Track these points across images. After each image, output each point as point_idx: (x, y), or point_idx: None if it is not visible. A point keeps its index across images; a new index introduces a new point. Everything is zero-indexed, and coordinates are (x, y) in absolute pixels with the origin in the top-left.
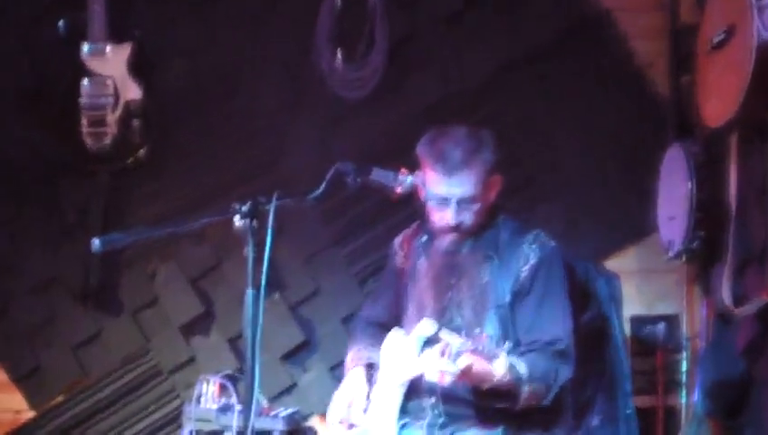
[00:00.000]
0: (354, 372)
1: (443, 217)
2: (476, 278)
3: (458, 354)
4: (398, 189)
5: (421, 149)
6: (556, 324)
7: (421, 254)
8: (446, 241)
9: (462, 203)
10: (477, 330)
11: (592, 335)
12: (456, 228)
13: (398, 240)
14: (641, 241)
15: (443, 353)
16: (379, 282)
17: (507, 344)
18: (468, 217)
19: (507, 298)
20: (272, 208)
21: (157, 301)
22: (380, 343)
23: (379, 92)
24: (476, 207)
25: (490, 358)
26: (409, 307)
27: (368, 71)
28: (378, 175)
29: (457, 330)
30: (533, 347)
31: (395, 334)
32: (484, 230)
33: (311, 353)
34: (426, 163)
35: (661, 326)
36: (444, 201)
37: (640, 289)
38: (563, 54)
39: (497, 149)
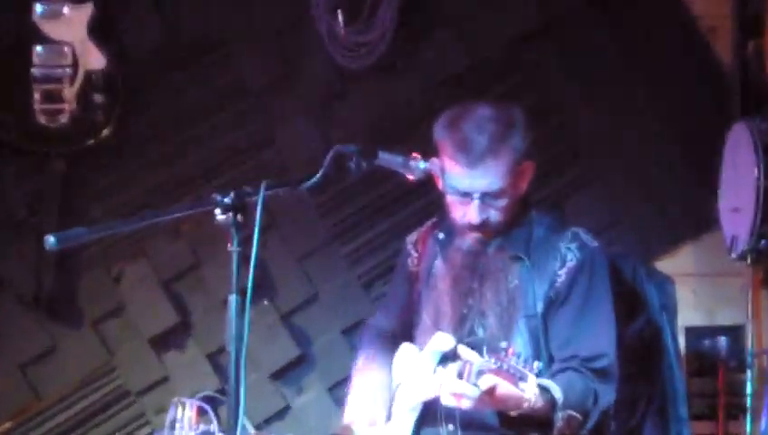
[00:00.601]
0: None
1: (465, 213)
2: (503, 282)
3: (480, 374)
4: (410, 177)
5: (439, 133)
6: (597, 338)
7: (438, 254)
8: (467, 240)
9: (487, 198)
10: (503, 344)
11: (641, 350)
12: (481, 227)
13: (411, 238)
14: (699, 238)
15: (462, 373)
16: (389, 286)
17: (537, 365)
18: (495, 215)
19: (540, 306)
20: (260, 200)
21: (123, 309)
22: (388, 354)
23: (386, 61)
24: (504, 202)
25: (517, 379)
26: (424, 317)
27: (374, 35)
28: (385, 159)
29: (479, 344)
30: (570, 365)
31: (406, 350)
32: (513, 227)
33: (306, 371)
34: (444, 150)
35: (723, 340)
36: (466, 196)
37: (698, 295)
38: (605, 18)
39: (529, 131)
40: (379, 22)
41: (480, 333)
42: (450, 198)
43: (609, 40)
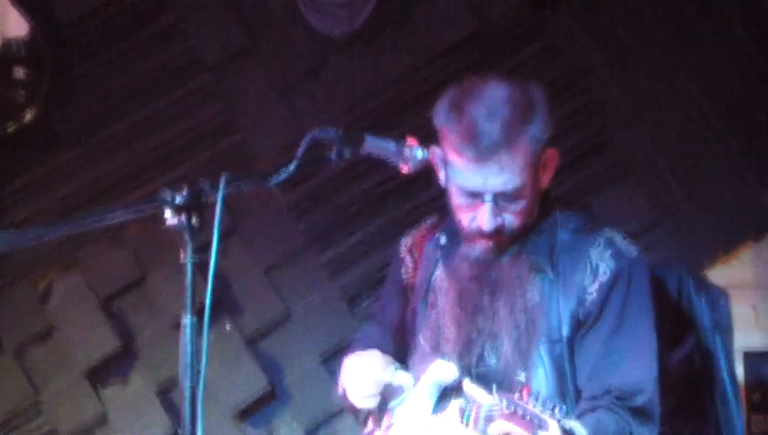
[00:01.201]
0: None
1: (474, 217)
2: (521, 299)
3: (488, 420)
4: (404, 167)
5: (440, 119)
6: (635, 370)
7: (438, 262)
8: (476, 248)
9: (501, 199)
10: (521, 376)
11: (689, 380)
12: (493, 235)
13: (405, 242)
14: (760, 241)
15: (465, 416)
16: (378, 303)
17: (559, 410)
18: (510, 219)
19: (565, 329)
20: (219, 198)
21: (51, 333)
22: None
23: (374, 27)
24: (522, 204)
25: (536, 427)
26: (420, 341)
27: None
28: (373, 146)
29: (491, 375)
30: (600, 403)
31: (399, 378)
32: (532, 231)
33: (278, 409)
34: (447, 140)
35: None
36: (475, 197)
37: (759, 311)
38: None
39: (550, 113)
40: None
41: (492, 362)
42: (455, 198)
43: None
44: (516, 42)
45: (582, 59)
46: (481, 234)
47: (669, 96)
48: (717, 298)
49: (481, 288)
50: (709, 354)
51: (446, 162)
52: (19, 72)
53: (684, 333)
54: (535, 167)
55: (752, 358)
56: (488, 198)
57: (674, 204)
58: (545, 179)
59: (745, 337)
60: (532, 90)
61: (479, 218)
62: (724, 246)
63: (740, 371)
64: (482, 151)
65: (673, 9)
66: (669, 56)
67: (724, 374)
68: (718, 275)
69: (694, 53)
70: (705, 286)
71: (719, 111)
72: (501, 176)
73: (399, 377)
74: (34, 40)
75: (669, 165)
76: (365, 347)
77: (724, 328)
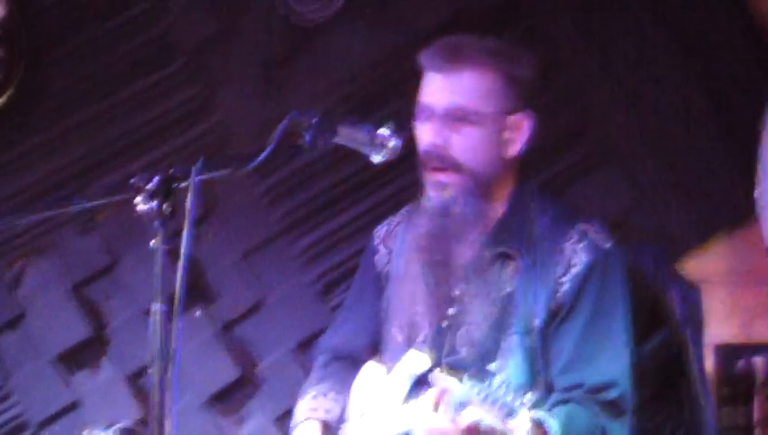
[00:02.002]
0: (304, 430)
1: (422, 139)
2: (494, 287)
3: (461, 407)
4: (375, 157)
5: (422, 53)
6: (608, 362)
7: (412, 249)
8: (430, 192)
9: (452, 116)
10: (492, 366)
11: (661, 372)
12: (438, 160)
13: (379, 231)
14: (734, 234)
15: (438, 404)
16: (348, 294)
17: (529, 397)
18: (459, 145)
19: (538, 320)
20: (192, 184)
21: (21, 319)
22: (348, 388)
23: (353, 10)
24: (472, 133)
25: (505, 414)
26: (393, 331)
27: None
28: (345, 135)
29: (463, 365)
30: (572, 396)
31: (371, 370)
32: (507, 214)
33: (250, 396)
34: (422, 66)
35: (760, 360)
36: (427, 114)
37: (731, 304)
38: None
39: (534, 78)
40: None
41: (463, 352)
42: (416, 130)
43: None
44: (498, 26)
45: (563, 45)
46: (428, 156)
47: (650, 83)
48: (689, 292)
49: (439, 244)
50: (680, 347)
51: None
52: None
53: (655, 326)
54: (500, 110)
55: (722, 351)
56: (438, 111)
57: (652, 192)
58: (516, 144)
59: (716, 330)
60: (517, 47)
61: (427, 135)
62: (698, 237)
63: (710, 363)
64: (444, 60)
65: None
66: (651, 43)
67: (696, 368)
68: (692, 266)
69: (676, 40)
70: (677, 279)
71: (699, 101)
72: (455, 90)
73: None
74: (9, 21)
75: (648, 152)
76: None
77: (696, 321)
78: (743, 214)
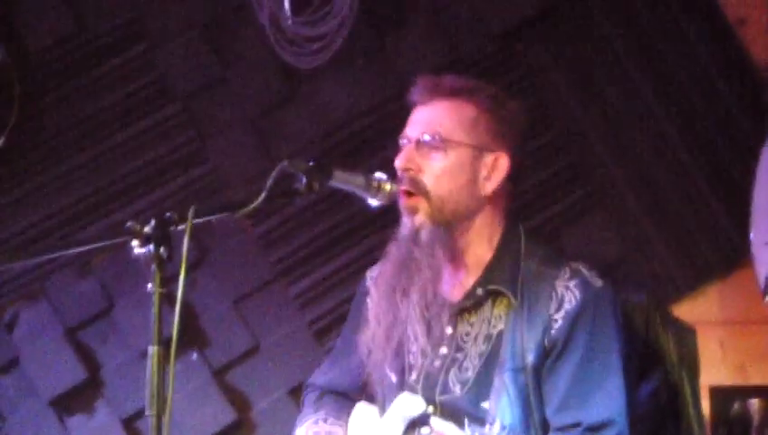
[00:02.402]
0: None
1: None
2: (484, 326)
3: None
4: (373, 201)
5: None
6: (604, 400)
7: (385, 278)
8: (403, 227)
9: (423, 143)
10: (485, 404)
11: (656, 414)
12: (405, 182)
13: (372, 272)
14: (728, 277)
15: None
16: (339, 336)
17: None
18: (429, 171)
19: (530, 357)
20: (187, 229)
21: (16, 362)
22: (345, 418)
23: (345, 58)
24: (446, 161)
25: None
26: (386, 370)
27: (329, 26)
28: (341, 179)
29: (455, 403)
30: (571, 434)
31: (363, 412)
32: (495, 257)
33: None
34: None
35: (755, 403)
36: (404, 142)
37: (726, 348)
38: (611, 6)
39: (520, 123)
40: (336, 9)
41: (457, 390)
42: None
43: (618, 33)
44: (489, 73)
45: (552, 93)
46: (399, 177)
47: (640, 131)
48: (684, 333)
49: (400, 272)
50: (676, 389)
51: None
52: None
53: (651, 368)
54: (475, 145)
55: (718, 394)
56: (412, 138)
57: (643, 239)
58: (490, 183)
59: (712, 373)
60: (502, 91)
61: (399, 160)
62: (691, 282)
63: (706, 406)
64: (419, 94)
65: (646, 43)
66: (642, 91)
67: (691, 409)
68: (685, 310)
69: (665, 87)
70: (671, 321)
71: (689, 147)
72: (429, 120)
73: None
74: (3, 66)
75: (639, 200)
76: (316, 395)
77: (691, 363)
78: (735, 257)
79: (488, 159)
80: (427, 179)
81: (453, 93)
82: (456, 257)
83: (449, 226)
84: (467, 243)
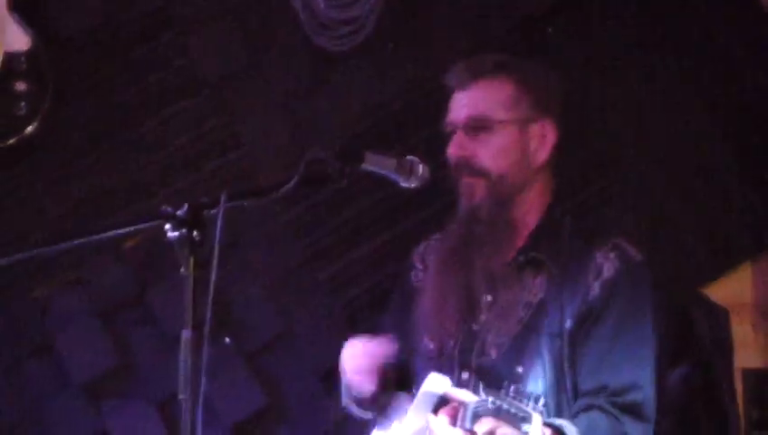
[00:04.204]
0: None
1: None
2: (523, 293)
3: (475, 418)
4: (405, 184)
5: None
6: (633, 367)
7: (445, 257)
8: (460, 200)
9: (472, 127)
10: (519, 369)
11: (687, 398)
12: (465, 169)
13: (418, 250)
14: (759, 259)
15: (455, 418)
16: (385, 314)
17: (543, 401)
18: (484, 153)
19: (568, 323)
20: (219, 214)
21: (50, 347)
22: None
23: (377, 42)
24: (498, 139)
25: (519, 420)
26: (426, 340)
27: (360, 11)
28: (373, 162)
29: (490, 368)
30: (596, 401)
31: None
32: (540, 225)
33: (276, 424)
34: (449, 91)
35: None
36: (452, 129)
37: (759, 330)
38: None
39: (560, 91)
40: None
41: (492, 353)
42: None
43: (646, 15)
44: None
45: (578, 78)
46: (454, 165)
47: (668, 115)
48: (717, 316)
49: (467, 248)
50: (709, 372)
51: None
52: (21, 87)
53: (684, 351)
54: (520, 118)
55: (751, 376)
56: (460, 123)
57: (673, 223)
58: (540, 153)
59: (745, 355)
60: (535, 61)
61: (452, 147)
62: (724, 264)
63: (738, 388)
64: (464, 77)
65: (676, 31)
66: (668, 76)
67: (724, 392)
68: (718, 293)
69: (694, 71)
70: (705, 304)
71: (719, 128)
72: (474, 103)
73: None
74: (36, 55)
75: (668, 184)
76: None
77: (724, 346)
78: (767, 239)
79: (535, 130)
80: (483, 161)
81: (490, 73)
82: (511, 228)
83: (507, 200)
84: (523, 214)
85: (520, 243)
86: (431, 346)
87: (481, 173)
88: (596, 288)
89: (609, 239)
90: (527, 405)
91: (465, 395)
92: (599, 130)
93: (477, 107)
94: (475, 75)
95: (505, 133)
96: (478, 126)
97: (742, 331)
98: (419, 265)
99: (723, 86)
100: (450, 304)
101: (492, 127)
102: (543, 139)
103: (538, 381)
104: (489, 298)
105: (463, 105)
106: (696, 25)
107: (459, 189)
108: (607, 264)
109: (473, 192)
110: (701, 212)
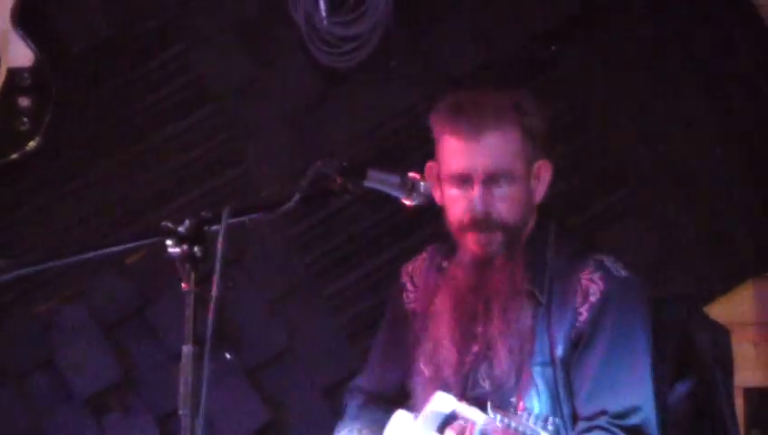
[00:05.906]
0: None
1: (466, 209)
2: (513, 323)
3: None
4: (407, 201)
5: (434, 115)
6: (630, 388)
7: (439, 287)
8: (469, 248)
9: (491, 181)
10: (514, 398)
11: (688, 416)
12: (484, 224)
13: (406, 269)
14: (762, 278)
15: None
16: (378, 334)
17: (552, 420)
18: (500, 208)
19: (559, 351)
20: (222, 230)
21: (53, 362)
22: (381, 429)
23: (381, 59)
24: (513, 191)
25: None
26: (421, 366)
27: (364, 27)
28: (376, 179)
29: (484, 398)
30: (596, 423)
31: (400, 419)
32: (527, 251)
33: None
34: (441, 130)
35: None
36: (466, 182)
37: (760, 348)
38: (652, 7)
39: (546, 119)
40: (370, 10)
41: (486, 385)
42: (448, 191)
43: (659, 34)
44: (524, 76)
45: (589, 94)
46: (472, 223)
47: (679, 133)
48: (719, 334)
49: (476, 297)
50: (711, 390)
51: (441, 163)
52: (24, 102)
53: (686, 369)
54: (527, 164)
55: (752, 395)
56: (478, 178)
57: (678, 241)
58: (539, 191)
59: (745, 374)
60: (523, 92)
61: (470, 203)
62: (726, 283)
63: (740, 407)
64: (473, 128)
65: (688, 46)
66: (682, 94)
67: (725, 412)
68: (719, 311)
69: (708, 90)
70: (706, 323)
71: (729, 148)
72: (490, 156)
73: None
74: (40, 70)
75: (675, 201)
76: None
77: (725, 364)
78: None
79: (536, 171)
80: (500, 215)
81: (495, 121)
82: (519, 267)
83: (517, 244)
84: (521, 249)
85: (504, 255)
86: (426, 373)
87: (500, 227)
88: (584, 313)
89: (591, 257)
90: (536, 425)
91: (473, 414)
92: (602, 147)
93: (495, 160)
94: (482, 124)
95: (519, 182)
96: (497, 180)
97: (743, 350)
98: (410, 287)
99: (740, 108)
100: (445, 334)
101: (509, 179)
102: (542, 177)
103: (534, 410)
104: (480, 328)
105: (478, 158)
106: (712, 45)
107: (467, 239)
108: (592, 286)
109: (489, 244)
110: (702, 230)
